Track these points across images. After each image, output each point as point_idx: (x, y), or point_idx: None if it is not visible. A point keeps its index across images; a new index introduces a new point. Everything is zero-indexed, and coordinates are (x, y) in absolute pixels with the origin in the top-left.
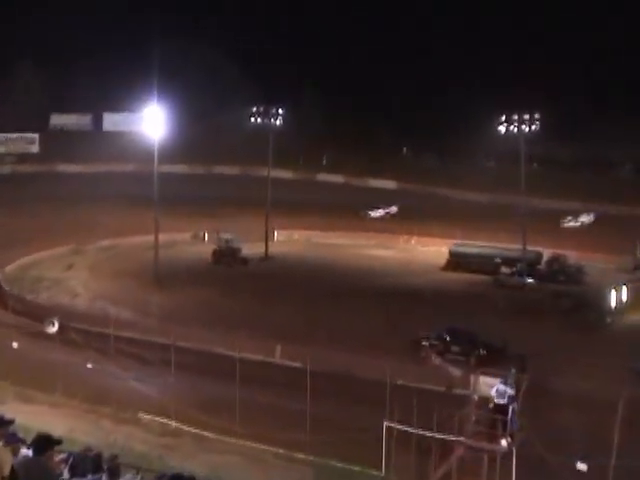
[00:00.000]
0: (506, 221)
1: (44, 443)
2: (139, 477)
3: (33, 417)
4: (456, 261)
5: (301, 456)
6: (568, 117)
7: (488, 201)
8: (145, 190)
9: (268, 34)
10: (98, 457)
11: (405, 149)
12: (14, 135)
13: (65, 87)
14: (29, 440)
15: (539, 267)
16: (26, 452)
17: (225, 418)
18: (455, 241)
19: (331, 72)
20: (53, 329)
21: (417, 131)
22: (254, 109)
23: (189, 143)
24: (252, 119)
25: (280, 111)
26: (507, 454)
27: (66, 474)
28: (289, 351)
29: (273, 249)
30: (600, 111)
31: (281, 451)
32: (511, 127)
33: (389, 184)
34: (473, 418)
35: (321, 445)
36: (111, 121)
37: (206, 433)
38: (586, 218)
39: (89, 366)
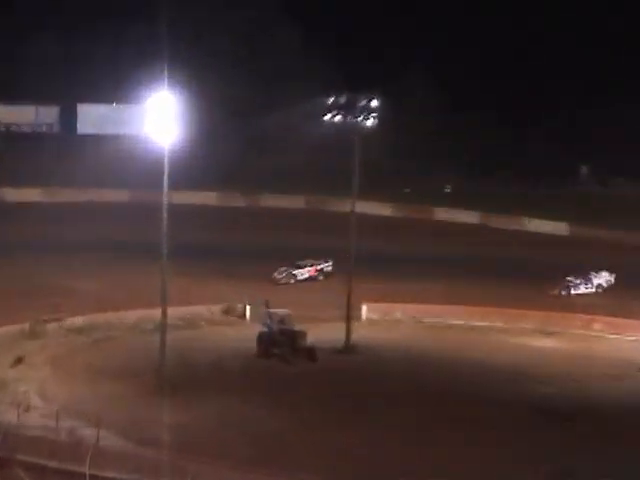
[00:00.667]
0: None
1: None
2: None
3: None
4: None
5: None
6: None
7: None
8: (145, 234)
9: None
10: None
11: (585, 169)
12: None
13: (14, 66)
14: None
15: None
16: None
17: None
18: None
19: (455, 54)
20: None
21: (597, 147)
22: (329, 101)
23: (220, 158)
24: (326, 117)
25: (373, 104)
26: None
27: None
28: None
29: (358, 334)
30: None
31: None
32: None
33: (559, 227)
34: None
35: None
36: (90, 118)
37: None
38: None
39: None
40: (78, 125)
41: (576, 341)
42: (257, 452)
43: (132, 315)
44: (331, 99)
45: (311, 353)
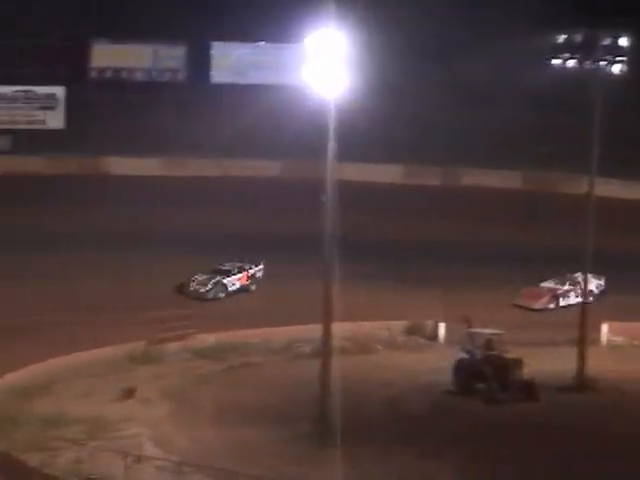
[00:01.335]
0: None
1: None
2: None
3: None
4: None
5: None
6: None
7: None
8: (301, 221)
9: None
10: None
11: None
12: None
13: None
14: None
15: None
16: None
17: None
18: None
19: None
20: None
21: None
22: (558, 39)
23: (408, 119)
24: (554, 61)
25: (622, 43)
26: None
27: None
28: None
29: (596, 365)
30: None
31: None
32: None
33: None
34: None
35: None
36: (228, 61)
37: None
38: None
39: None
40: (212, 71)
41: None
42: None
43: (280, 334)
44: (562, 37)
45: (530, 390)
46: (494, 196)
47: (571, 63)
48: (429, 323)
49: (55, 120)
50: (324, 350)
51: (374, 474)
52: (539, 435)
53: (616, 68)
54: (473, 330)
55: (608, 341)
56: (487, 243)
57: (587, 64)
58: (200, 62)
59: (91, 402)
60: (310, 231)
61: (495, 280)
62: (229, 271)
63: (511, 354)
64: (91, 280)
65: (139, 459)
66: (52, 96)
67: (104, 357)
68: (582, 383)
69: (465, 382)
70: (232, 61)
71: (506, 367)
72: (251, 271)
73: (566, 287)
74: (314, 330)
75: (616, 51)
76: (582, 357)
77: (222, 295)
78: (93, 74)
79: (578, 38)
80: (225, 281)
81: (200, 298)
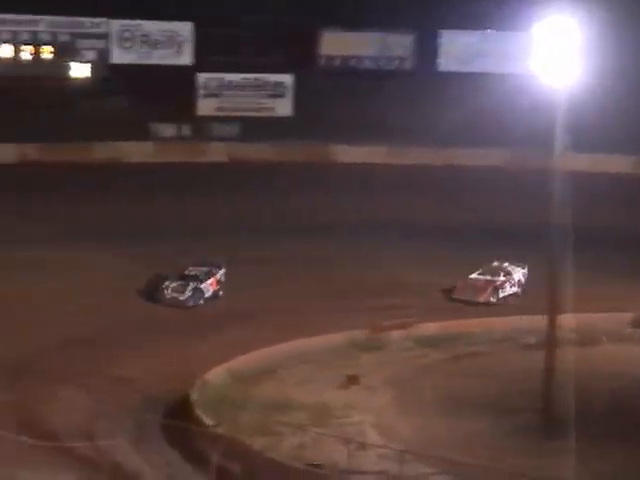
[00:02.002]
0: None
1: None
2: None
3: None
4: None
5: None
6: None
7: None
8: (531, 212)
9: None
10: None
11: None
12: None
13: None
14: None
15: None
16: None
17: None
18: None
19: None
20: None
21: None
22: None
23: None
24: None
25: None
26: None
27: None
28: None
29: None
30: None
31: None
32: None
33: None
34: None
35: None
36: (457, 50)
37: None
38: None
39: None
40: (440, 59)
41: None
42: None
43: (501, 324)
44: None
45: None
46: None
47: None
48: None
49: (283, 108)
50: (549, 341)
51: (601, 471)
52: None
53: None
54: None
55: None
56: None
57: None
58: (427, 50)
59: (314, 388)
60: (536, 221)
61: None
62: (197, 276)
63: None
64: (347, 267)
65: (363, 446)
66: (281, 84)
67: (327, 343)
68: None
69: None
70: (459, 49)
71: None
72: (217, 275)
73: (502, 278)
74: (535, 321)
75: None
76: None
77: (201, 302)
78: (322, 62)
79: None
80: (202, 286)
81: (177, 306)
